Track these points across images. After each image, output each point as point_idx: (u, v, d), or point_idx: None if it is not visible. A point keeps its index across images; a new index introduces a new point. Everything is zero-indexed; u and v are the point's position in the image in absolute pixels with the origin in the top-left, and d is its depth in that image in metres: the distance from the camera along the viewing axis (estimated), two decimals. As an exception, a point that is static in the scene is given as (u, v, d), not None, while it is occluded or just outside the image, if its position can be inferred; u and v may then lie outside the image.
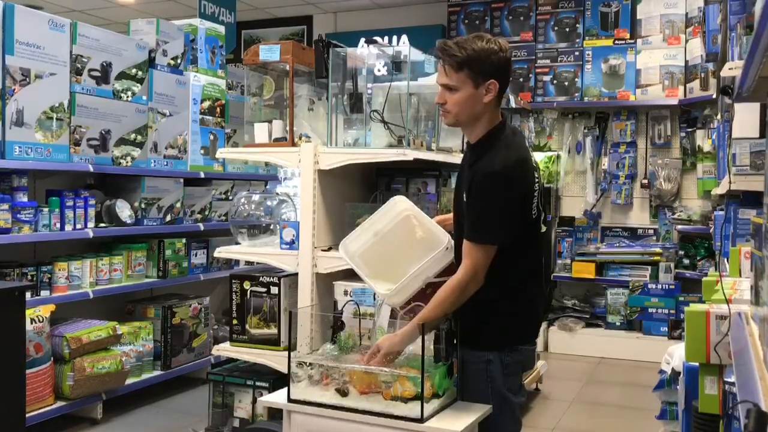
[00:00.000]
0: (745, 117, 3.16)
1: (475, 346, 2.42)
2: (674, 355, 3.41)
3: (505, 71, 2.40)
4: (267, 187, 6.14)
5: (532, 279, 2.48)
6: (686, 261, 6.51)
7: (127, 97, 4.79)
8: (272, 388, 3.45)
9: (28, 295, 3.79)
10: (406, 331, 2.40)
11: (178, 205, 5.20)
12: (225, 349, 3.62)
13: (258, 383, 3.61)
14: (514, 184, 2.33)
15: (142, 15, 7.31)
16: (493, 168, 2.32)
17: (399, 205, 2.66)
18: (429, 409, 2.32)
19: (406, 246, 2.62)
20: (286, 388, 2.50)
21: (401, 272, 2.49)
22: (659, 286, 6.38)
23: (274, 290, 3.45)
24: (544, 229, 2.54)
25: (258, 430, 3.39)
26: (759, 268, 1.73)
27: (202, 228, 5.41)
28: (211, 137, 5.51)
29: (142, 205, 4.90)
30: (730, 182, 3.02)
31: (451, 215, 2.75)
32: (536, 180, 2.41)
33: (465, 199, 2.39)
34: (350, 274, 3.27)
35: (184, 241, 5.28)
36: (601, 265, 6.66)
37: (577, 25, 7.07)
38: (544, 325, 6.53)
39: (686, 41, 6.60)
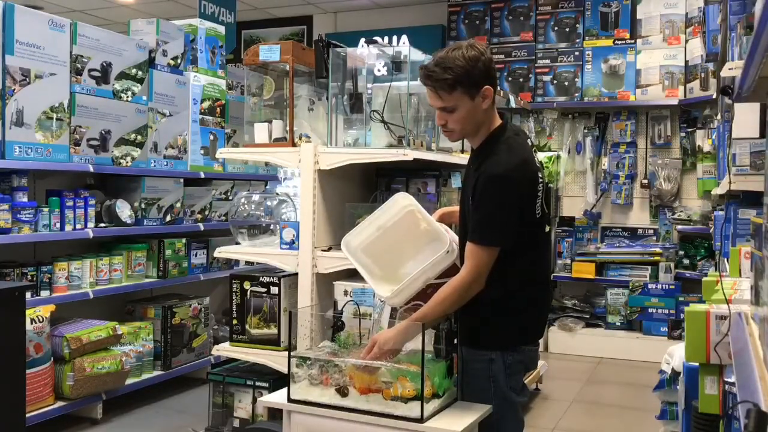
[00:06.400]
0: (745, 117, 3.15)
1: (478, 345, 2.43)
2: (674, 355, 3.41)
3: (493, 72, 2.40)
4: (267, 187, 6.13)
5: (537, 279, 2.48)
6: (686, 261, 6.51)
7: (127, 97, 4.79)
8: (272, 388, 3.46)
9: (28, 295, 3.80)
10: (402, 325, 2.40)
11: (178, 205, 5.20)
12: (225, 349, 3.62)
13: (258, 383, 3.61)
14: (517, 186, 2.34)
15: (142, 15, 7.31)
16: (495, 171, 2.32)
17: (402, 201, 2.66)
18: (429, 409, 2.32)
19: (410, 239, 2.62)
20: (286, 388, 2.50)
21: (404, 266, 2.49)
22: (659, 286, 6.38)
23: (274, 290, 3.45)
24: (548, 228, 2.53)
25: (258, 430, 3.39)
26: (759, 268, 1.73)
27: (202, 228, 5.41)
28: (211, 137, 5.50)
29: (142, 205, 4.90)
30: (730, 182, 3.02)
31: (452, 208, 2.75)
32: (539, 180, 2.41)
33: (470, 203, 2.40)
34: (350, 274, 3.27)
35: (184, 241, 5.28)
36: (601, 265, 6.66)
37: (577, 25, 7.06)
38: (544, 325, 6.53)
39: (686, 41, 6.60)
